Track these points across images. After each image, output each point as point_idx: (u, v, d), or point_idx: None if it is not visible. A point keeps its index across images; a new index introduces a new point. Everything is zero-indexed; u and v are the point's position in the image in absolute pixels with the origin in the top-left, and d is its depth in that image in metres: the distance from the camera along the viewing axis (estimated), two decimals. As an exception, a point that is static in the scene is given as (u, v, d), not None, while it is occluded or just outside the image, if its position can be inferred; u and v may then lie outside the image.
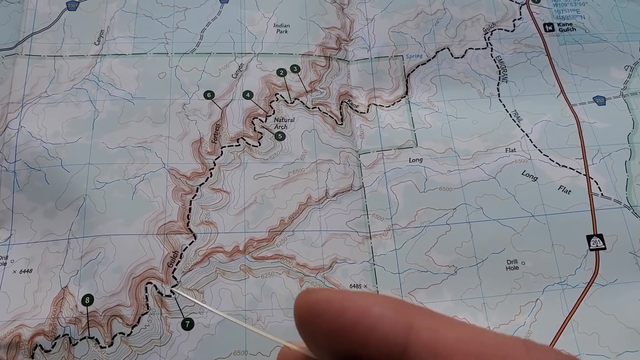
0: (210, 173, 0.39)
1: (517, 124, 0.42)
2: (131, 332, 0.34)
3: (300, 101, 0.42)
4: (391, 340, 0.13)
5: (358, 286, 0.37)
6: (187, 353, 0.34)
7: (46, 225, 0.37)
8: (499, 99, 0.44)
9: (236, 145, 0.40)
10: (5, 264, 0.37)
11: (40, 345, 0.34)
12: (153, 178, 0.38)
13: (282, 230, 0.38)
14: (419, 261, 0.38)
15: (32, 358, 0.34)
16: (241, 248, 0.37)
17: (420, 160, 0.41)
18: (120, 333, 0.34)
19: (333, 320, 0.13)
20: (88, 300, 0.35)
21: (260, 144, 0.40)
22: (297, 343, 0.16)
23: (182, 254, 0.37)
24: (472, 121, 0.42)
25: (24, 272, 0.36)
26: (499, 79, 0.44)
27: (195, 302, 0.25)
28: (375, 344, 0.13)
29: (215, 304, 0.36)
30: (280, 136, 0.41)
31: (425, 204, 0.39)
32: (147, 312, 0.35)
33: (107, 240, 0.36)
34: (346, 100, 0.43)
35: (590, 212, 0.39)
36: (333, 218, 0.38)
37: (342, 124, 0.42)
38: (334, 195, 0.39)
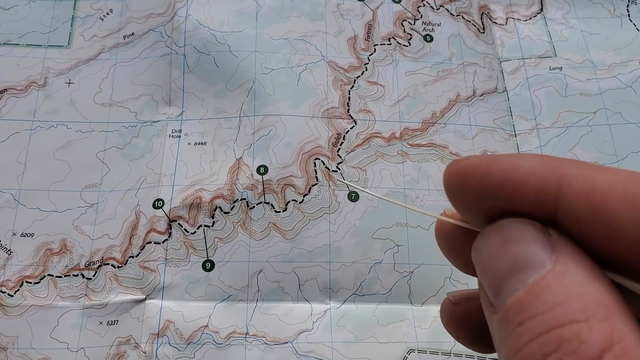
0: (366, 67, 0.42)
1: (650, 42, 0.44)
2: (303, 200, 0.37)
3: (445, 8, 0.44)
4: (542, 192, 0.12)
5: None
6: (353, 221, 0.37)
7: (217, 103, 0.40)
8: (629, 19, 0.46)
9: (388, 44, 0.42)
10: (179, 136, 0.39)
11: (219, 207, 0.37)
12: (314, 68, 0.41)
13: (435, 122, 0.40)
14: (563, 157, 0.40)
15: (212, 218, 0.37)
16: (397, 135, 0.40)
17: (560, 68, 0.43)
18: (293, 200, 0.37)
19: (482, 181, 0.13)
20: (263, 170, 0.38)
21: (410, 44, 0.43)
22: (450, 216, 0.16)
23: (344, 136, 0.39)
24: (606, 37, 0.45)
25: (199, 144, 0.39)
26: (629, 1, 0.46)
27: (356, 188, 0.28)
28: (527, 198, 0.13)
29: (376, 182, 0.38)
30: (428, 38, 0.43)
31: (567, 107, 0.42)
32: (316, 184, 0.38)
33: (278, 119, 0.39)
34: (485, 12, 0.45)
35: None
36: (481, 115, 0.41)
37: (484, 33, 0.44)
38: (481, 95, 0.42)
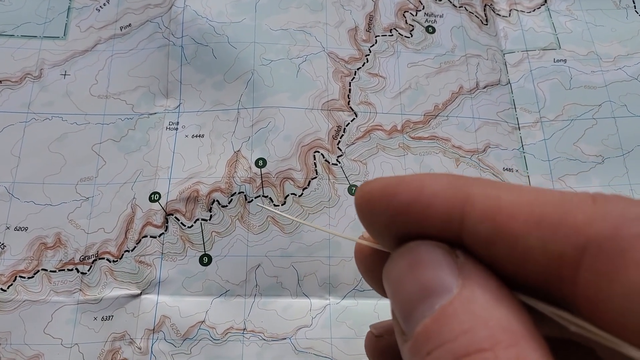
0: (367, 59, 0.41)
1: (656, 34, 0.43)
2: (302, 193, 0.36)
3: (448, 0, 0.43)
4: (447, 214, 0.12)
5: (510, 170, 0.39)
6: (353, 215, 0.36)
7: (215, 95, 0.39)
8: (635, 11, 0.45)
9: (389, 35, 0.42)
10: (177, 129, 0.38)
11: (217, 201, 0.36)
12: (314, 59, 0.40)
13: (437, 115, 0.40)
14: (567, 150, 0.39)
15: (210, 211, 0.36)
16: (399, 128, 0.39)
17: (564, 60, 0.42)
18: (292, 194, 0.36)
19: (389, 204, 0.13)
20: (261, 163, 0.37)
21: (412, 35, 0.42)
22: (367, 239, 0.15)
23: (345, 128, 0.38)
24: (611, 29, 0.44)
25: (196, 136, 0.38)
26: (635, -7, 0.46)
27: (274, 212, 0.27)
28: (433, 220, 0.12)
29: (377, 175, 0.37)
30: (430, 29, 0.42)
31: (572, 100, 0.41)
32: (316, 177, 0.37)
33: (277, 111, 0.38)
34: (488, 4, 0.44)
35: None
36: (484, 107, 0.40)
37: (487, 24, 0.43)
38: (484, 87, 0.41)
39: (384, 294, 0.15)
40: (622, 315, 0.10)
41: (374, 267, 0.15)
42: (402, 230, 0.13)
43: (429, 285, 0.12)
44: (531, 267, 0.11)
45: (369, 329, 0.17)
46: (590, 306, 0.11)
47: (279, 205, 0.36)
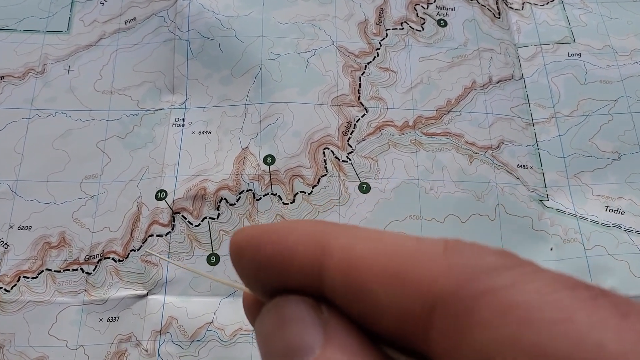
0: (377, 53, 0.40)
1: (673, 27, 0.42)
2: (312, 191, 0.36)
3: (460, -8, 0.42)
4: (307, 268, 0.12)
5: (525, 167, 0.38)
6: (364, 214, 0.35)
7: (222, 91, 0.38)
8: (652, 4, 0.44)
9: (400, 29, 0.41)
10: (183, 125, 0.38)
11: (225, 199, 0.35)
12: (323, 54, 0.39)
13: (450, 110, 0.39)
14: (582, 147, 0.38)
15: (218, 209, 0.35)
16: (410, 123, 0.38)
17: (579, 54, 0.41)
18: (301, 192, 0.35)
19: (254, 257, 0.12)
20: (270, 160, 0.36)
21: (423, 29, 0.41)
22: None
23: (355, 124, 0.37)
24: (627, 21, 0.43)
25: (203, 133, 0.37)
26: (651, -14, 0.44)
27: (169, 261, 0.26)
28: (295, 274, 0.12)
29: (388, 173, 0.37)
30: (442, 23, 0.41)
31: (587, 95, 0.40)
32: (325, 174, 0.36)
33: (285, 106, 0.37)
34: (501, -3, 0.43)
35: None
36: (498, 103, 0.39)
37: (499, 18, 0.42)
38: (498, 82, 0.40)
39: None
40: None
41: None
42: (272, 282, 0.12)
43: (292, 345, 0.11)
44: (387, 322, 0.11)
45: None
46: None
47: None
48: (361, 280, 0.11)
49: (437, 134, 0.38)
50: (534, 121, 0.39)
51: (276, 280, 0.12)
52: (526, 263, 0.10)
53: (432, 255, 0.10)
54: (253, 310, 0.14)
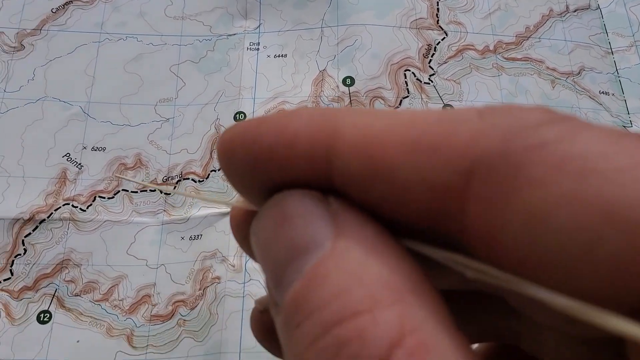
0: (452, -20, 0.39)
1: None
2: (395, 112, 0.35)
3: None
4: (312, 153, 0.10)
5: (607, 93, 0.37)
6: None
7: (296, 14, 0.37)
8: None
9: (474, -42, 0.40)
10: (258, 49, 0.37)
11: (306, 119, 0.34)
12: (399, -21, 0.38)
13: (529, 37, 0.38)
14: (666, 74, 0.37)
15: (299, 130, 0.34)
16: (491, 48, 0.37)
17: (656, -15, 0.40)
18: (384, 112, 0.34)
19: (249, 151, 0.10)
20: (349, 81, 0.35)
21: (497, -41, 0.40)
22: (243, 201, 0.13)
23: (435, 47, 0.37)
24: (702, -44, 0.42)
25: (279, 56, 0.36)
26: None
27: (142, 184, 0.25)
28: (298, 164, 0.10)
29: (472, 96, 0.36)
30: (516, -47, 0.40)
31: (667, 24, 0.39)
32: (407, 96, 0.35)
33: (363, 28, 0.36)
34: None
35: None
36: (576, 31, 0.38)
37: (572, -50, 0.41)
38: (575, 11, 0.39)
39: None
40: (519, 248, 0.08)
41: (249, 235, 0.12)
42: (270, 181, 0.11)
43: (297, 243, 0.10)
44: (413, 205, 0.09)
45: (253, 307, 0.14)
46: (484, 244, 0.09)
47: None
48: (381, 157, 0.09)
49: (518, 59, 0.37)
50: (613, 50, 0.38)
51: (278, 176, 0.10)
52: (573, 117, 0.09)
53: (465, 120, 0.09)
54: (243, 227, 0.12)
